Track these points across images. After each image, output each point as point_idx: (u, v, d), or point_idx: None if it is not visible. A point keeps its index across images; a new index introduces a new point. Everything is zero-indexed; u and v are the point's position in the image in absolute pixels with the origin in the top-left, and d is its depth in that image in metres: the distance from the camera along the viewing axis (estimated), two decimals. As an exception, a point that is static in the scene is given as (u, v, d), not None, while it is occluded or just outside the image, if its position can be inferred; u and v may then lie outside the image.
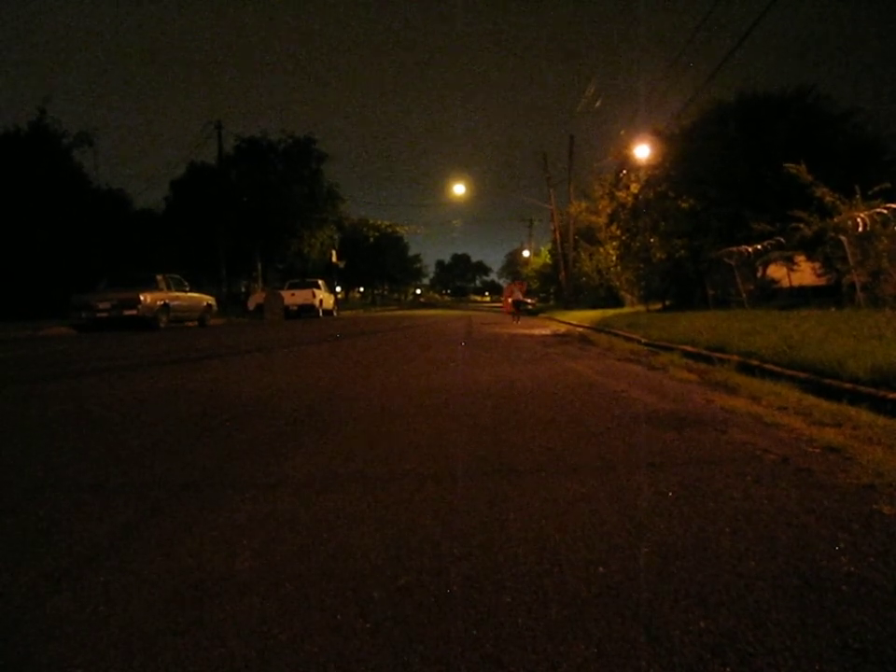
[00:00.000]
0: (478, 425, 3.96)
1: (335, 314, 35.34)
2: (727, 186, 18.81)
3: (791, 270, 17.90)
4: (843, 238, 12.35)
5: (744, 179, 18.58)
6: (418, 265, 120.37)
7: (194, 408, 4.74)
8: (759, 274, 18.75)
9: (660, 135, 21.77)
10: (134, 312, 17.90)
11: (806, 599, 1.64)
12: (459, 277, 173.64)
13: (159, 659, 1.42)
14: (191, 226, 37.10)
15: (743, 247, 16.28)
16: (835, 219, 12.99)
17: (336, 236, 45.93)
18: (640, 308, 25.04)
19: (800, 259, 17.06)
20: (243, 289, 45.22)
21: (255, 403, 4.92)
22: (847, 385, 4.62)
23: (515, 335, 14.59)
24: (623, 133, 25.13)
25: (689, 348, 8.22)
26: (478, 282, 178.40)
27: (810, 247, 14.82)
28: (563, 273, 37.84)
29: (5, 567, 1.93)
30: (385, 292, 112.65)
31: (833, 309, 11.72)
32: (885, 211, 11.55)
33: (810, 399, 4.53)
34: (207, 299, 22.89)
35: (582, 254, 37.21)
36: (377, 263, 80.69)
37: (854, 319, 8.57)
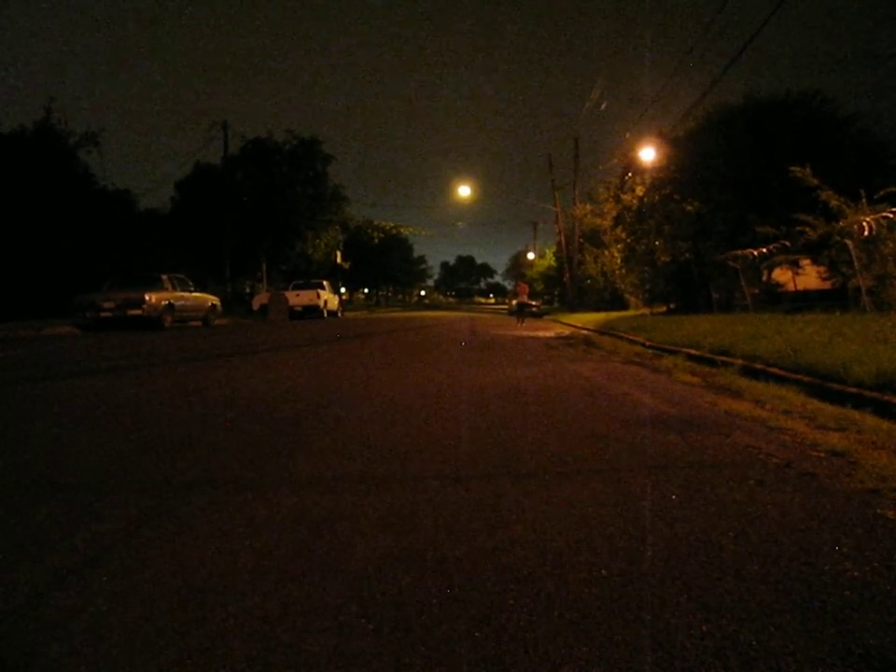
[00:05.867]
0: (481, 426, 3.96)
1: (339, 314, 35.33)
2: (732, 189, 18.77)
3: (796, 273, 17.86)
4: (848, 242, 12.31)
5: (749, 182, 18.55)
6: (423, 266, 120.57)
7: (197, 408, 4.74)
8: (764, 278, 18.71)
9: (665, 138, 21.73)
10: (139, 311, 17.93)
11: (810, 604, 1.64)
12: (464, 279, 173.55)
13: (161, 658, 1.42)
14: (196, 226, 37.17)
15: (748, 251, 16.24)
16: (841, 223, 12.95)
17: (341, 237, 45.97)
18: (645, 311, 25.01)
19: (805, 262, 17.02)
20: (247, 290, 45.28)
21: (259, 404, 4.93)
22: (852, 390, 4.61)
23: (519, 337, 14.59)
24: (628, 135, 25.12)
25: (693, 351, 8.21)
26: (482, 284, 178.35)
27: (815, 251, 14.79)
28: (567, 276, 37.81)
29: (8, 565, 1.93)
30: (390, 293, 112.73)
31: (838, 313, 11.68)
32: (891, 215, 11.51)
33: (814, 403, 4.53)
34: (212, 299, 22.91)
35: (587, 256, 37.17)
36: (382, 264, 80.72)
37: (859, 323, 8.54)
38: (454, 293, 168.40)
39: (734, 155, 18.83)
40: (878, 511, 2.33)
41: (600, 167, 40.27)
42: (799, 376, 5.42)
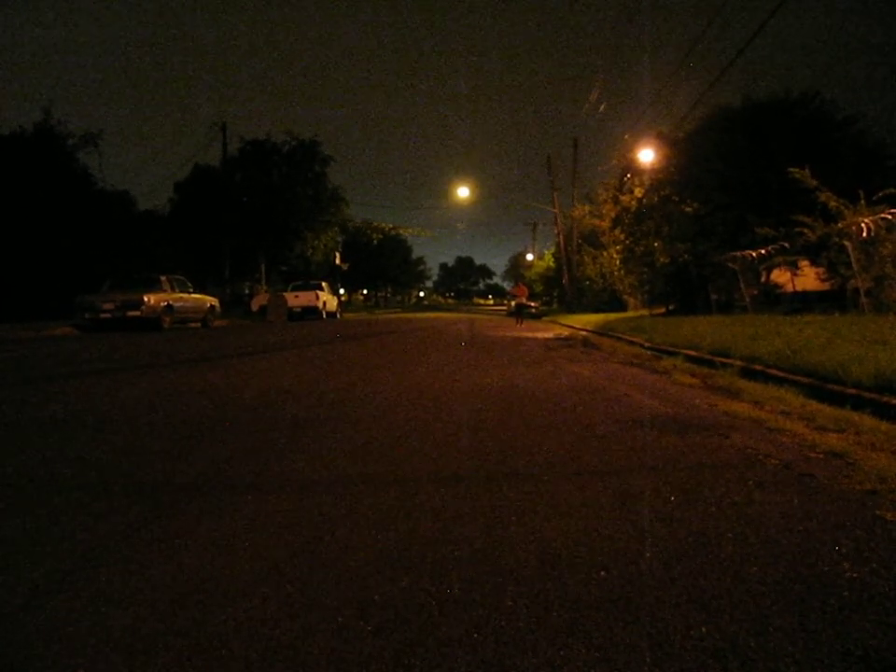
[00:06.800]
0: (480, 427, 3.96)
1: (338, 316, 35.33)
2: (731, 190, 18.80)
3: (794, 275, 17.88)
4: (847, 243, 12.34)
5: (748, 183, 18.58)
6: (422, 268, 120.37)
7: (195, 409, 4.74)
8: (762, 279, 18.74)
9: (664, 139, 21.76)
10: (138, 313, 17.93)
11: (809, 605, 1.64)
12: (463, 280, 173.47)
13: (160, 660, 1.42)
14: (195, 227, 37.16)
15: (747, 252, 16.27)
16: (840, 224, 12.98)
17: (340, 238, 45.97)
18: (644, 312, 25.05)
19: (804, 263, 17.06)
20: (246, 291, 45.22)
21: (257, 405, 4.93)
22: (851, 391, 4.61)
23: (518, 338, 14.59)
24: (627, 137, 25.16)
25: (692, 353, 8.21)
26: (481, 285, 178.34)
27: (814, 252, 14.82)
28: (566, 277, 37.83)
29: (6, 567, 1.93)
30: (389, 295, 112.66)
31: (836, 314, 11.70)
32: (889, 216, 11.53)
33: (813, 404, 4.53)
34: (211, 300, 22.90)
35: (586, 258, 37.22)
36: (381, 266, 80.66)
37: (858, 324, 8.56)
38: (452, 294, 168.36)
39: (733, 156, 18.86)
40: (877, 512, 2.33)
41: (599, 168, 40.30)
42: (798, 377, 5.43)
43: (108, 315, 18.03)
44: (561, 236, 38.65)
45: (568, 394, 5.43)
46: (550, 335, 16.17)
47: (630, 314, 26.20)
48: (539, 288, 56.91)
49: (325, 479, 2.84)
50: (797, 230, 14.01)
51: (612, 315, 24.27)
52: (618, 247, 25.22)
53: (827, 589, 1.72)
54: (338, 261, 44.16)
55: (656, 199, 21.31)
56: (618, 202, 23.81)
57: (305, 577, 1.84)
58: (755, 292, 17.88)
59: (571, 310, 35.10)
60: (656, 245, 21.41)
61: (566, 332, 17.77)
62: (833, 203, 13.45)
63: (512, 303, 33.65)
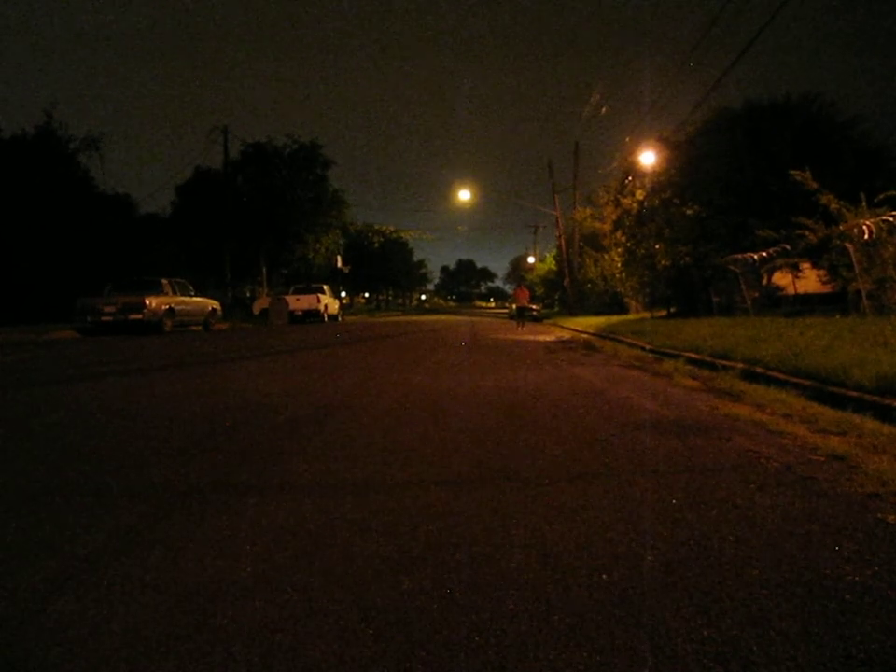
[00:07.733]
0: (481, 430, 3.96)
1: (340, 319, 35.35)
2: (732, 193, 18.81)
3: (796, 277, 17.89)
4: (848, 245, 12.33)
5: (749, 186, 18.59)
6: (423, 271, 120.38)
7: (197, 412, 4.74)
8: (764, 282, 18.74)
9: (665, 142, 21.76)
10: (139, 316, 17.94)
11: (810, 608, 1.64)
12: (464, 283, 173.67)
13: (161, 664, 1.42)
14: (197, 230, 37.21)
15: (748, 254, 16.27)
16: (841, 227, 12.98)
17: (341, 241, 46.02)
18: (645, 315, 25.04)
19: (805, 266, 17.07)
20: (248, 294, 45.30)
21: (259, 408, 4.93)
22: (852, 393, 4.60)
23: (520, 341, 14.59)
24: (628, 139, 25.15)
25: (693, 355, 8.20)
26: (483, 288, 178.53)
27: (816, 255, 14.82)
28: (567, 280, 37.80)
29: (8, 570, 1.93)
30: (390, 297, 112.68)
31: (838, 316, 11.69)
32: (891, 218, 11.52)
33: (815, 407, 4.52)
34: (212, 303, 22.92)
35: (587, 260, 37.18)
36: (382, 269, 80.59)
37: (859, 327, 8.55)
38: (454, 297, 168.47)
39: (734, 159, 18.88)
40: (879, 515, 2.33)
41: (600, 171, 40.35)
42: (799, 380, 5.42)
43: (110, 318, 18.04)
44: (562, 239, 38.61)
45: (569, 397, 5.43)
46: (551, 338, 16.17)
47: (631, 316, 26.20)
48: (540, 291, 56.91)
49: (326, 482, 2.84)
50: (798, 232, 14.01)
51: (614, 318, 24.25)
52: (619, 250, 25.20)
53: (829, 592, 1.72)
54: (339, 264, 44.18)
55: (657, 201, 21.31)
56: (619, 204, 23.79)
57: (306, 580, 1.84)
58: (756, 294, 17.88)
59: (573, 312, 35.05)
60: (657, 247, 21.40)
61: (567, 335, 17.77)
62: (834, 206, 13.45)
63: (513, 306, 33.60)
